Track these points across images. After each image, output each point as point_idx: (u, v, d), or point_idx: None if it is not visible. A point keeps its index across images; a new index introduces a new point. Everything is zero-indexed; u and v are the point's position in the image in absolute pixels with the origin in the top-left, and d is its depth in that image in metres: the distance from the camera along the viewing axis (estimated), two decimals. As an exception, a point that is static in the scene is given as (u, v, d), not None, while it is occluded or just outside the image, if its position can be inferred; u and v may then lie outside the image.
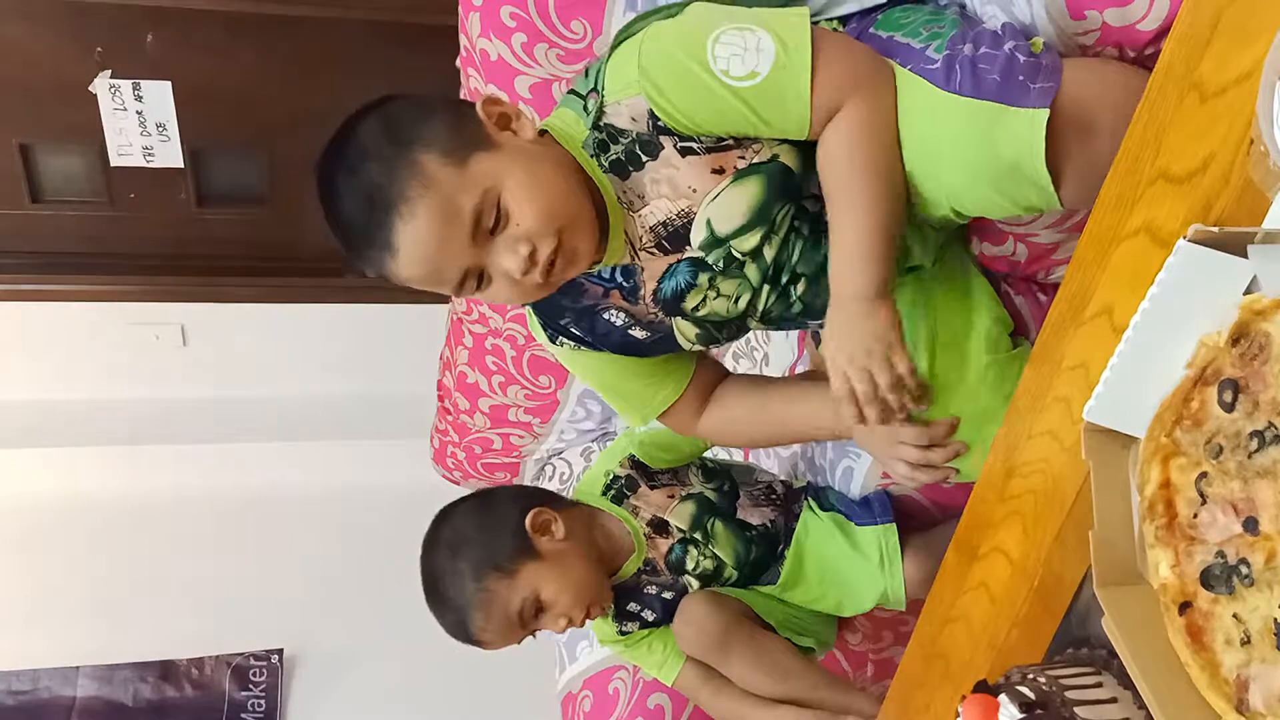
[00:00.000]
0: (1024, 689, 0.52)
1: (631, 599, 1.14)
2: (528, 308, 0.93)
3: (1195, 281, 0.51)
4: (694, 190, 0.79)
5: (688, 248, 0.82)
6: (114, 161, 1.90)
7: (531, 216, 0.75)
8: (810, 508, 1.17)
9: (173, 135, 1.88)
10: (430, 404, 1.74)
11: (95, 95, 1.82)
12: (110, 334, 2.04)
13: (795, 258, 0.84)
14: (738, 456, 1.32)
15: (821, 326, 0.93)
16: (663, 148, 0.78)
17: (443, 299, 1.69)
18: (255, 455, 2.07)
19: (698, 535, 1.13)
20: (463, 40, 1.27)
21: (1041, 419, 0.66)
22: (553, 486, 1.64)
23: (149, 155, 1.90)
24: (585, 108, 0.80)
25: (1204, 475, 0.50)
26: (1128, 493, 0.54)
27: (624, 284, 0.86)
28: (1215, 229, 0.51)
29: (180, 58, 1.82)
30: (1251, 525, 0.48)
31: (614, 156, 0.80)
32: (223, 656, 1.82)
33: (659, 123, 0.77)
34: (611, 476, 1.14)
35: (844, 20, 0.86)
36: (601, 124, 0.79)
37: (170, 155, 1.91)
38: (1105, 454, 0.55)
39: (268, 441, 2.08)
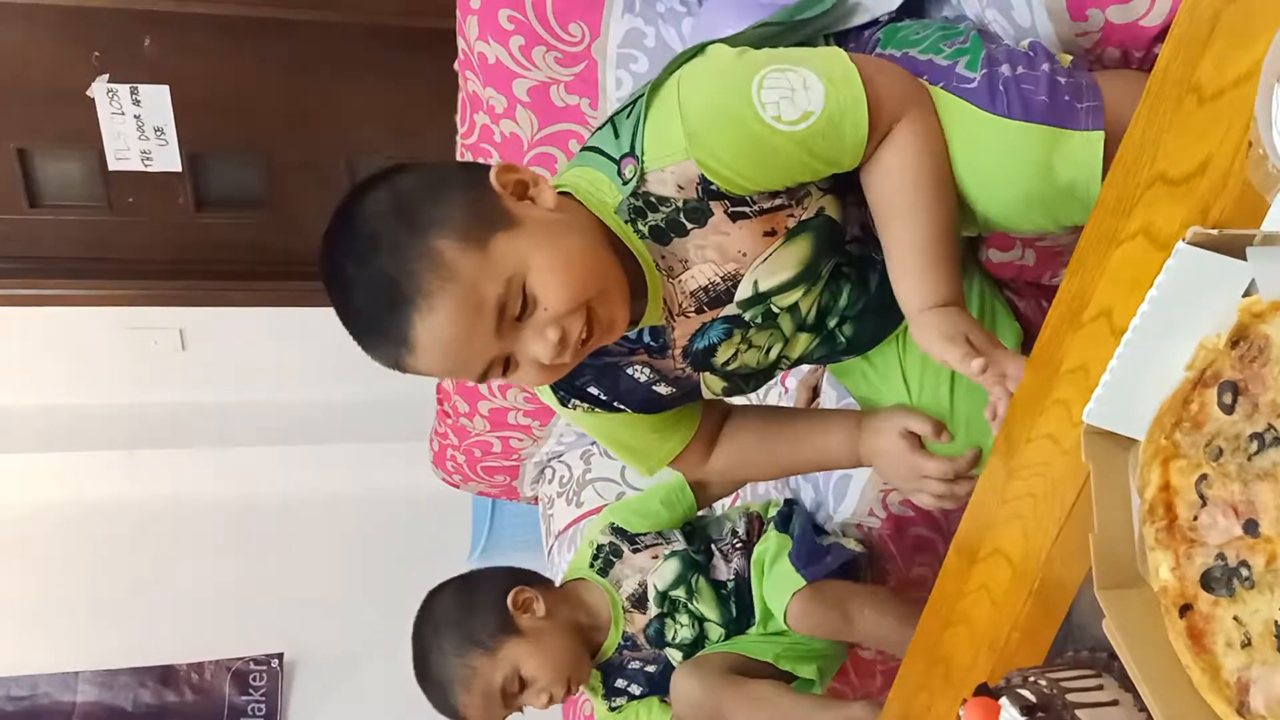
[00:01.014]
0: (1025, 692, 0.52)
1: (618, 676, 1.18)
2: None
3: (1194, 284, 0.51)
4: (744, 254, 0.76)
5: (727, 307, 0.79)
6: (112, 166, 1.90)
7: (560, 299, 0.69)
8: (765, 538, 1.19)
9: (171, 139, 1.88)
10: (430, 408, 1.74)
11: (93, 100, 1.82)
12: (109, 339, 2.04)
13: (843, 301, 0.82)
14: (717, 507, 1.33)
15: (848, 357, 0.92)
16: (712, 214, 0.74)
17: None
18: (255, 460, 2.07)
19: (680, 594, 1.16)
20: (460, 43, 1.27)
21: (1041, 422, 0.66)
22: (552, 489, 1.64)
23: (147, 160, 1.90)
24: (619, 173, 0.74)
25: (1204, 477, 0.50)
26: (1128, 495, 0.54)
27: (651, 344, 0.82)
28: (1214, 231, 0.51)
29: (178, 62, 1.82)
30: (1252, 528, 0.48)
31: (653, 223, 0.75)
32: (223, 661, 1.82)
33: (711, 187, 0.72)
34: (596, 546, 1.18)
35: (841, 38, 0.84)
36: (640, 192, 0.74)
37: (168, 159, 1.91)
38: (1105, 456, 0.55)
39: (268, 446, 2.08)
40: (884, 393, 0.92)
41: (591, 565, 1.17)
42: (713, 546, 1.19)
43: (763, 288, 0.78)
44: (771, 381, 0.92)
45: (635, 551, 1.17)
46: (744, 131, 0.71)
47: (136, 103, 1.85)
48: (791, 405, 1.24)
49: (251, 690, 1.80)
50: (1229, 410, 0.49)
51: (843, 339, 0.86)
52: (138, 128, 1.87)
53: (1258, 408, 0.48)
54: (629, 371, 0.84)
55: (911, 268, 0.75)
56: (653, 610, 1.16)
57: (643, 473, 0.97)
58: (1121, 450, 0.56)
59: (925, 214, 0.74)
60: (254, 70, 1.85)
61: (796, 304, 0.80)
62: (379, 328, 0.70)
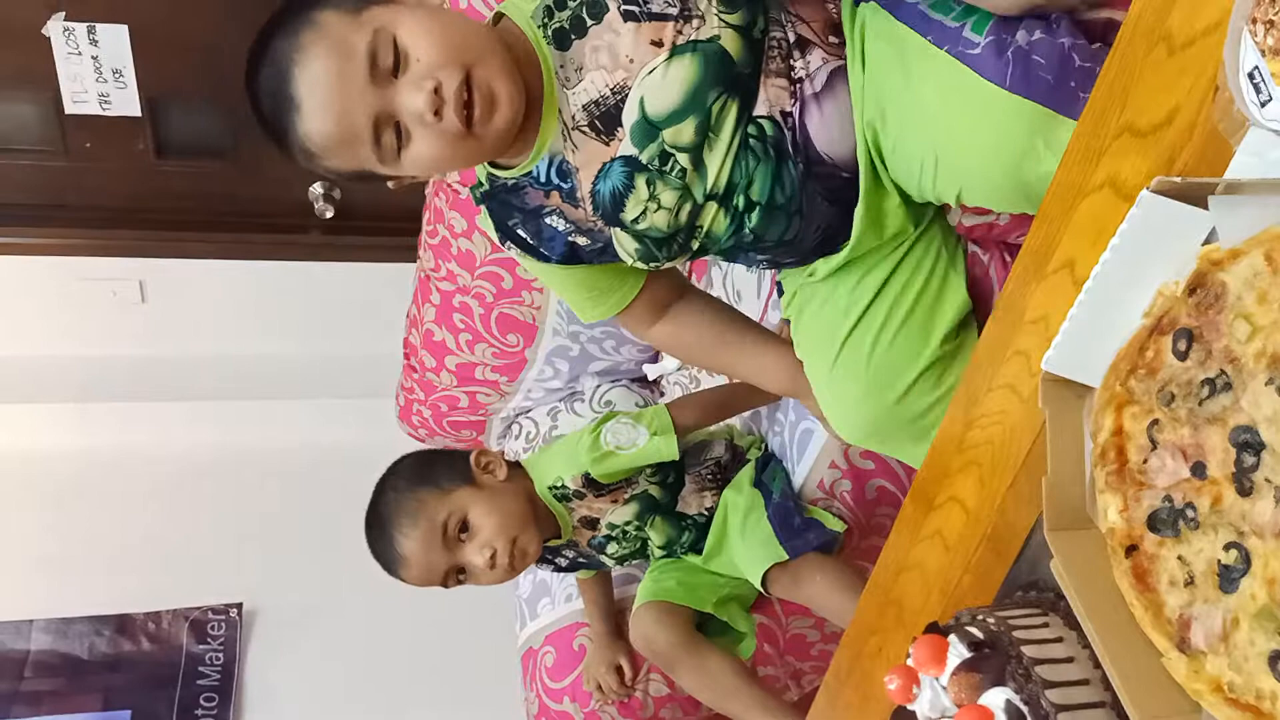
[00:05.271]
0: (973, 629, 0.53)
1: (555, 555, 1.23)
2: (483, 206, 0.90)
3: (1156, 232, 0.52)
4: (631, 61, 0.77)
5: (619, 130, 0.80)
6: (68, 109, 1.83)
7: (430, 50, 0.73)
8: (738, 484, 1.21)
9: (130, 82, 1.82)
10: (395, 362, 1.72)
11: (48, 38, 1.75)
12: (66, 289, 1.98)
13: (756, 183, 0.82)
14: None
15: (769, 266, 0.96)
16: (608, 10, 0.77)
17: (409, 257, 1.67)
18: (217, 413, 2.04)
19: (630, 529, 1.18)
20: (431, -15, 1.24)
21: (1001, 372, 0.66)
22: (518, 445, 1.64)
23: (105, 103, 1.84)
24: None
25: (1155, 422, 0.51)
26: (1081, 441, 0.55)
27: (561, 185, 0.84)
28: (1178, 179, 0.51)
29: (137, 0, 1.76)
30: (1200, 470, 0.48)
31: (558, 24, 0.78)
32: (180, 610, 1.81)
33: None
34: (561, 483, 1.18)
35: None
36: None
37: (127, 103, 1.84)
38: (1061, 403, 0.56)
39: (230, 400, 2.05)
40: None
41: (550, 490, 1.18)
42: (686, 476, 1.21)
43: (649, 111, 0.78)
44: (690, 254, 0.92)
45: (599, 497, 1.18)
46: None
47: (94, 43, 1.78)
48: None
49: (210, 639, 1.79)
50: (1183, 357, 0.50)
51: (749, 229, 0.85)
52: (95, 69, 1.80)
53: (1211, 354, 0.49)
54: (549, 220, 0.87)
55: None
56: (602, 532, 1.19)
57: (584, 319, 1.00)
58: (1077, 398, 0.56)
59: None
60: (217, 10, 1.78)
61: (700, 157, 0.80)
62: (274, 101, 0.75)
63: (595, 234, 0.86)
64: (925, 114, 0.75)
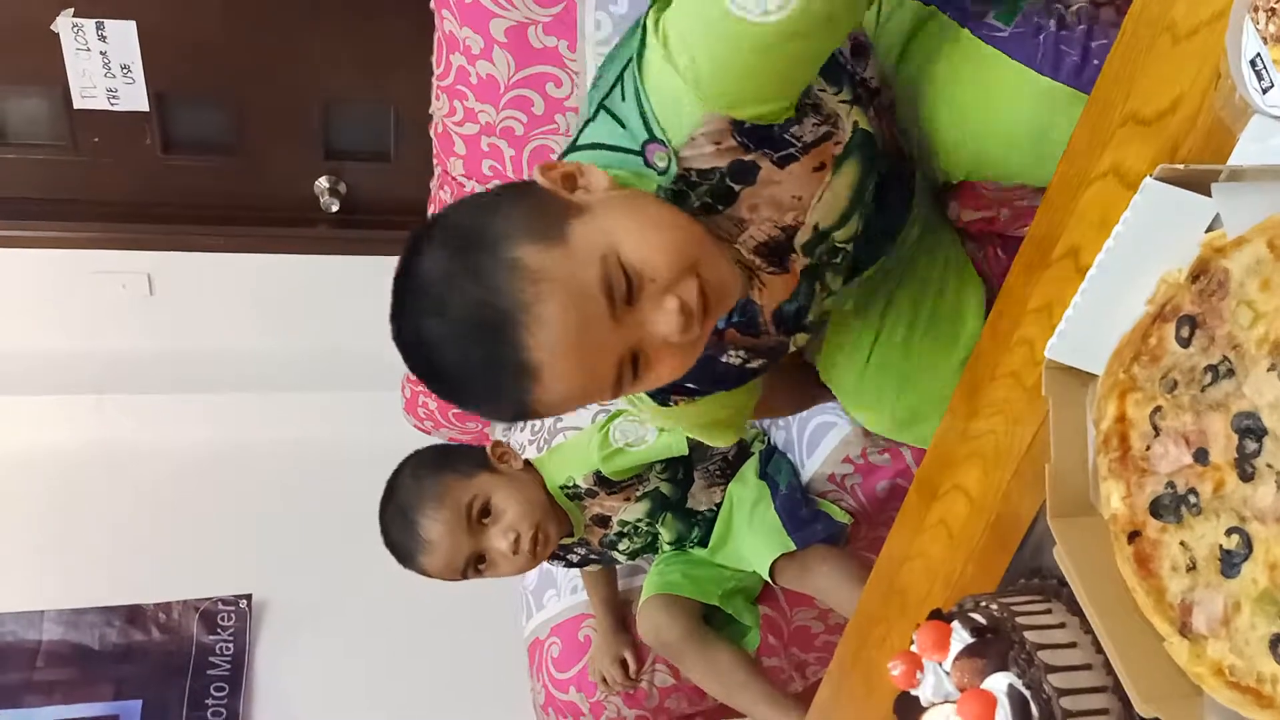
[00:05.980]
0: (976, 615, 0.53)
1: (567, 553, 1.24)
2: None
3: (1159, 220, 0.52)
4: (799, 199, 0.72)
5: (793, 254, 0.75)
6: (77, 104, 1.84)
7: (663, 263, 0.64)
8: (743, 476, 1.21)
9: (138, 77, 1.82)
10: (400, 357, 1.73)
11: (57, 35, 1.76)
12: (75, 282, 1.99)
13: (868, 222, 0.79)
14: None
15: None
16: (759, 169, 0.69)
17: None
18: (225, 406, 2.05)
19: (642, 525, 1.20)
20: (437, -20, 1.25)
21: (1005, 360, 0.66)
22: (524, 436, 1.65)
23: (113, 98, 1.85)
24: (649, 164, 0.68)
25: (1158, 409, 0.51)
26: (1084, 428, 0.55)
27: (740, 320, 0.78)
28: (1181, 167, 0.51)
29: (145, -5, 1.76)
30: (1202, 456, 0.49)
31: (699, 201, 0.70)
32: (191, 601, 1.82)
33: (745, 126, 0.66)
34: (573, 483, 1.18)
35: None
36: (681, 174, 0.69)
37: (135, 98, 1.85)
38: (1065, 391, 0.56)
39: (238, 392, 2.06)
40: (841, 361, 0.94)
41: (562, 489, 1.18)
42: (695, 473, 1.21)
43: (822, 226, 0.74)
44: None
45: (610, 494, 1.19)
46: (741, 48, 0.63)
47: (102, 38, 1.79)
48: None
49: (220, 630, 1.80)
50: (1185, 344, 0.50)
51: (849, 260, 0.84)
52: (104, 65, 1.81)
53: (1214, 341, 0.49)
54: (723, 360, 0.81)
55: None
56: (614, 529, 1.19)
57: (731, 440, 0.95)
58: (1081, 385, 0.56)
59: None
60: (224, 7, 1.79)
61: (857, 231, 0.77)
62: (490, 371, 0.62)
63: (774, 350, 0.82)
64: (946, 86, 0.75)
